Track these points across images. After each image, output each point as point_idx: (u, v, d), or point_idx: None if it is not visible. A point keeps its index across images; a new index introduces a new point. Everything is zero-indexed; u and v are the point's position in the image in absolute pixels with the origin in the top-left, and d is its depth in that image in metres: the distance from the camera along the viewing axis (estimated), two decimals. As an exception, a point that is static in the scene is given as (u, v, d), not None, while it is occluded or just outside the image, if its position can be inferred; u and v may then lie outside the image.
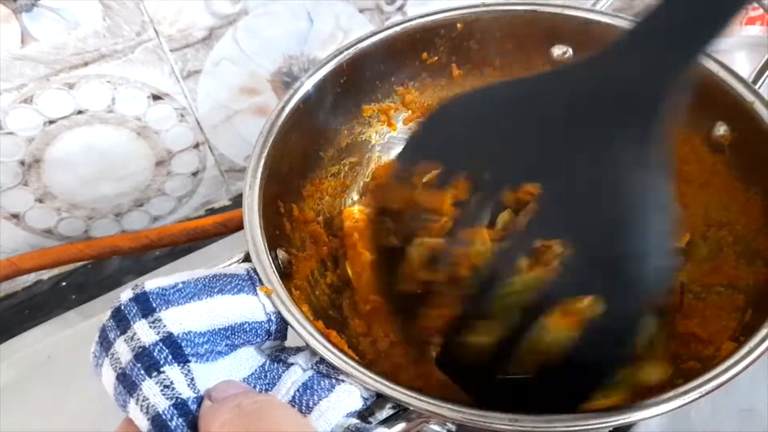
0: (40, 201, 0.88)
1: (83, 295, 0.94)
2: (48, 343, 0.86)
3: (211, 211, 1.03)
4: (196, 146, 0.94)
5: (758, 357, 0.50)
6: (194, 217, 1.02)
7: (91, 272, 0.98)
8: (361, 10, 0.90)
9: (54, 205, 0.89)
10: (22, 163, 0.83)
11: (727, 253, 0.65)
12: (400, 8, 0.93)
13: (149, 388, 0.46)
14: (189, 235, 0.85)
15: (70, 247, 0.85)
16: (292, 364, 0.52)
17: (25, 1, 0.71)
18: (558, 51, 0.72)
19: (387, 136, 0.80)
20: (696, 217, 0.68)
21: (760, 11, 0.95)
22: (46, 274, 0.97)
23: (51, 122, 0.81)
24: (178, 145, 0.92)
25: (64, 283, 0.97)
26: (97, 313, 0.89)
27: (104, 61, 0.79)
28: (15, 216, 0.88)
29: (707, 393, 0.48)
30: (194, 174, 0.97)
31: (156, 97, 0.85)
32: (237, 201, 1.04)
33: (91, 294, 0.93)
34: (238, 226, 0.83)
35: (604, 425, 0.48)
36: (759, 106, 0.61)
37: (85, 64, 0.78)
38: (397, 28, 0.71)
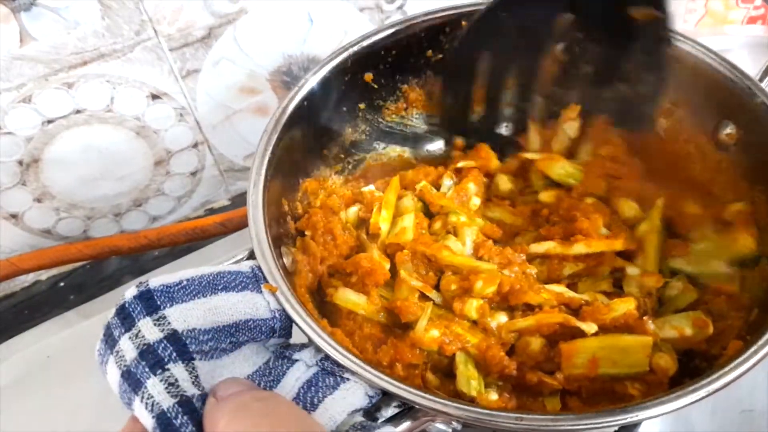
0: (39, 201, 0.87)
1: (82, 295, 0.94)
2: (47, 344, 0.86)
3: (211, 211, 1.03)
4: (195, 146, 0.93)
5: (765, 356, 0.50)
6: (193, 217, 1.02)
7: (90, 272, 0.97)
8: (361, 9, 0.90)
9: (53, 205, 0.89)
10: (21, 162, 0.82)
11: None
12: (400, 7, 0.93)
13: (154, 385, 0.46)
14: (188, 235, 0.85)
15: (69, 247, 0.84)
16: (296, 360, 0.51)
17: (23, 1, 0.70)
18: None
19: (392, 133, 0.80)
20: (702, 215, 0.68)
21: (762, 11, 0.95)
22: (44, 275, 0.96)
23: (50, 122, 0.80)
24: (177, 144, 0.92)
25: (62, 284, 0.96)
26: (96, 313, 0.89)
27: (103, 60, 0.79)
28: (13, 216, 0.87)
29: (714, 392, 0.48)
30: (193, 174, 0.97)
31: (155, 97, 0.85)
32: (236, 201, 1.04)
33: (90, 294, 0.93)
34: (238, 226, 0.83)
35: (609, 424, 0.48)
36: (765, 105, 0.61)
37: (84, 63, 0.78)
38: (402, 26, 0.71)
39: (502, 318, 0.63)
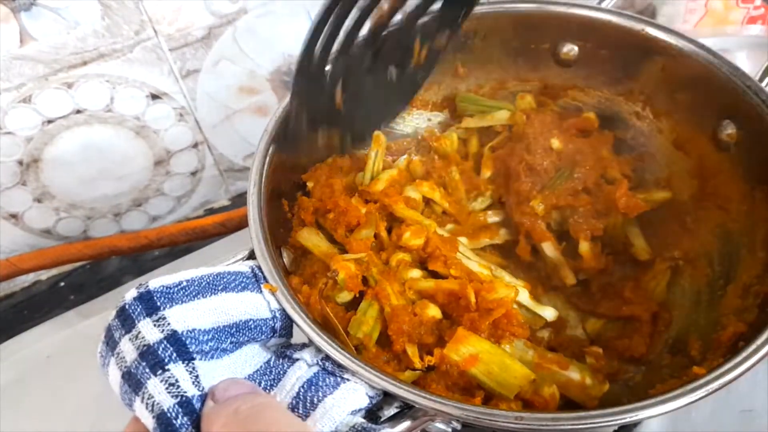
0: (39, 201, 0.87)
1: (82, 295, 0.94)
2: (47, 344, 0.86)
3: (210, 211, 1.03)
4: (195, 146, 0.93)
5: (764, 356, 0.50)
6: (193, 217, 1.02)
7: (90, 272, 0.97)
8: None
9: (53, 205, 0.89)
10: (21, 162, 0.82)
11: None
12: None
13: (154, 386, 0.46)
14: (188, 235, 0.85)
15: (69, 247, 0.84)
16: (297, 359, 0.51)
17: (23, 1, 0.70)
18: (564, 48, 0.72)
19: (391, 133, 0.80)
20: (702, 213, 0.68)
21: (762, 11, 0.95)
22: (44, 275, 0.97)
23: (50, 122, 0.80)
24: (177, 144, 0.92)
25: (62, 284, 0.96)
26: (96, 313, 0.89)
27: (103, 60, 0.79)
28: (13, 216, 0.87)
29: (713, 392, 0.48)
30: (193, 174, 0.97)
31: (155, 97, 0.85)
32: (236, 201, 1.04)
33: (90, 294, 0.93)
34: (237, 226, 0.83)
35: (609, 423, 0.48)
36: (765, 105, 0.61)
37: (84, 63, 0.78)
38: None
39: (414, 273, 0.64)
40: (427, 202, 0.72)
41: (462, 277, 0.62)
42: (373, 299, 0.61)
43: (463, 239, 0.70)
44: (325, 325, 0.54)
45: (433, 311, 0.60)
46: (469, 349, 0.56)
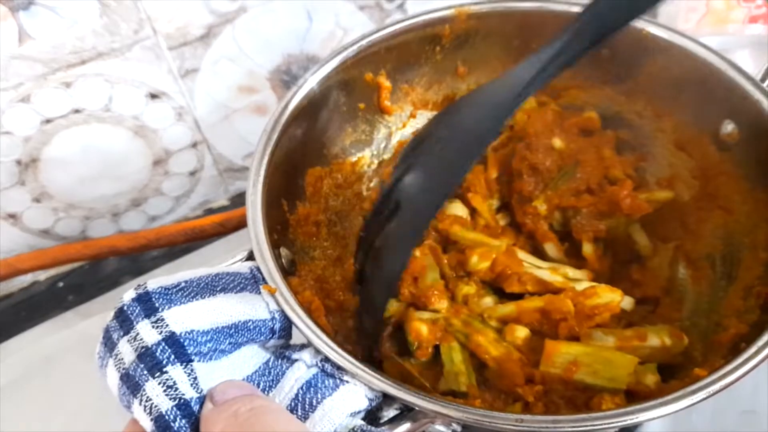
0: (37, 201, 0.87)
1: (81, 295, 0.94)
2: (46, 344, 0.86)
3: (209, 211, 1.03)
4: (194, 145, 0.93)
5: (765, 357, 0.49)
6: (192, 217, 1.01)
7: (89, 273, 0.97)
8: (361, 8, 0.90)
9: (51, 205, 0.88)
10: (19, 162, 0.82)
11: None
12: (400, 6, 0.92)
13: (152, 388, 0.45)
14: (187, 236, 0.84)
15: (68, 247, 0.84)
16: (296, 360, 0.51)
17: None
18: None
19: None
20: (704, 214, 0.68)
21: (763, 10, 0.95)
22: (43, 275, 0.96)
23: (48, 121, 0.80)
24: (176, 144, 0.91)
25: (61, 284, 0.96)
26: (95, 313, 0.88)
27: (101, 59, 0.78)
28: (12, 216, 0.87)
29: (714, 393, 0.48)
30: (192, 173, 0.96)
31: (153, 96, 0.85)
32: (235, 201, 1.03)
33: (89, 294, 0.93)
34: (237, 227, 0.82)
35: (610, 425, 0.48)
36: (766, 104, 0.61)
37: (83, 62, 0.78)
38: (402, 25, 0.70)
39: (488, 301, 0.63)
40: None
41: (541, 291, 0.63)
42: (450, 342, 0.61)
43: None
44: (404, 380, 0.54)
45: (522, 332, 0.60)
46: (564, 358, 0.56)
